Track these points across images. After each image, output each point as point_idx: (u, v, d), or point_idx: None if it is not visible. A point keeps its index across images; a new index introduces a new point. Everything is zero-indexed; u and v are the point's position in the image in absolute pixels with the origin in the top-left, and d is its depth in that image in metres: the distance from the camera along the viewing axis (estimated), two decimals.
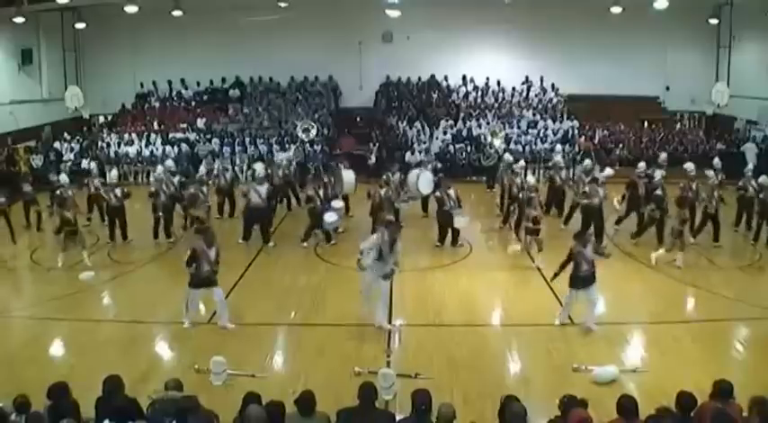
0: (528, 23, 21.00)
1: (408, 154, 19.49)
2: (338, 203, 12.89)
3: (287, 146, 19.70)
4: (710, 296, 9.75)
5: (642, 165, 13.63)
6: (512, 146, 19.58)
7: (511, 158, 15.12)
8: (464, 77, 22.34)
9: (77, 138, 20.73)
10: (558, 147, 17.66)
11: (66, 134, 20.73)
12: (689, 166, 13.40)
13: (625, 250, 12.01)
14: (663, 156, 15.11)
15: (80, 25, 20.64)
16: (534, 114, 21.29)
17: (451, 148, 19.87)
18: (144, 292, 10.23)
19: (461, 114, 21.24)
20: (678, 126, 21.46)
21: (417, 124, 20.86)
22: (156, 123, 21.28)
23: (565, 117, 21.15)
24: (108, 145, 20.37)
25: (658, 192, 12.10)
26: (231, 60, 21.77)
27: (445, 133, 20.53)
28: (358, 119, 22.48)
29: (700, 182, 12.79)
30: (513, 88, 22.15)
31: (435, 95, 22.18)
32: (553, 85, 22.07)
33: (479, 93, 22.30)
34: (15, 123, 19.19)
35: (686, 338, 8.11)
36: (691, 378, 6.23)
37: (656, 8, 17.88)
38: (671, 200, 11.98)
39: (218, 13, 20.78)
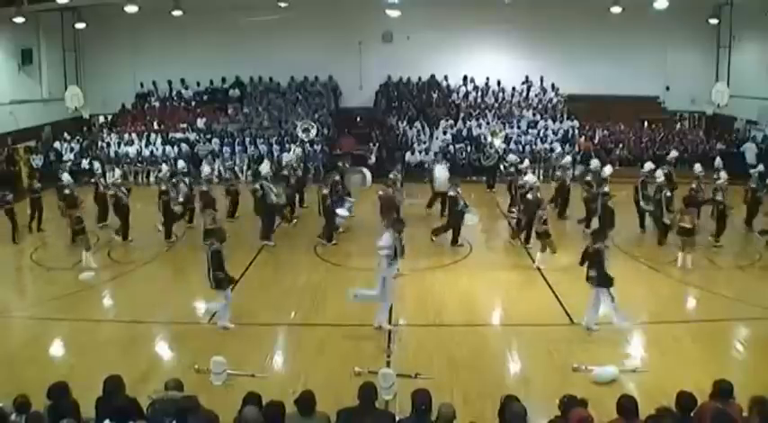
0: (528, 23, 21.01)
1: (408, 154, 19.50)
2: (351, 198, 13.06)
3: (287, 146, 19.69)
4: (710, 296, 9.75)
5: (648, 165, 13.55)
6: (512, 146, 19.60)
7: (516, 158, 15.05)
8: (465, 77, 22.34)
9: (77, 138, 20.74)
10: (558, 146, 17.61)
11: (66, 134, 20.73)
12: (697, 167, 13.37)
13: (624, 250, 11.99)
14: (673, 153, 15.03)
15: (80, 25, 20.65)
16: (534, 114, 21.29)
17: (451, 148, 19.86)
18: (144, 292, 10.24)
19: (461, 114, 21.25)
20: (678, 126, 21.46)
21: (417, 124, 20.87)
22: (156, 123, 21.29)
23: (565, 117, 21.16)
24: (108, 145, 20.38)
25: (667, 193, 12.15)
26: (231, 60, 21.79)
27: (445, 133, 20.53)
28: (358, 119, 22.48)
29: (706, 182, 12.79)
30: (513, 88, 22.16)
31: (435, 95, 22.19)
32: (553, 85, 22.07)
33: (479, 93, 22.30)
34: (15, 123, 19.19)
35: (686, 338, 8.11)
36: (691, 378, 6.23)
37: (656, 8, 17.89)
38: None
39: (218, 13, 20.78)
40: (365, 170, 15.62)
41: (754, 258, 11.58)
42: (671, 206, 12.00)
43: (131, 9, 18.07)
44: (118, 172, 14.15)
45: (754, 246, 12.21)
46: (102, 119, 22.50)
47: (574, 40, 21.05)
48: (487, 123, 20.61)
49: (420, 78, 22.51)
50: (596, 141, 20.23)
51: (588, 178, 13.53)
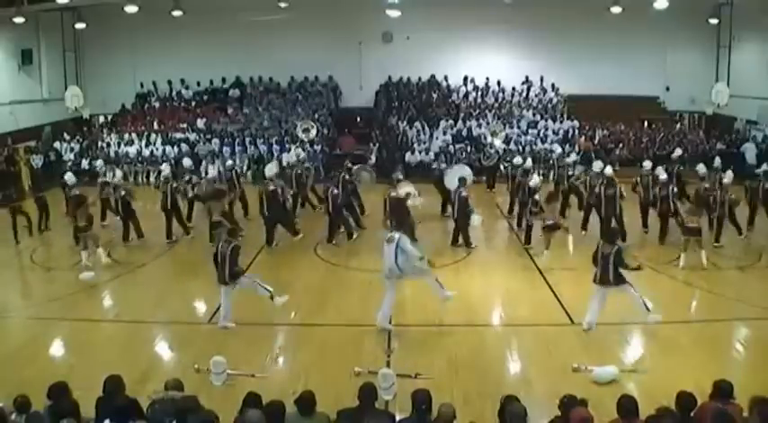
0: (528, 23, 21.01)
1: (408, 154, 19.49)
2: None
3: (287, 146, 19.69)
4: (711, 296, 9.74)
5: (647, 164, 13.52)
6: (512, 146, 19.61)
7: (521, 159, 15.01)
8: (465, 78, 22.35)
9: (77, 138, 20.73)
10: (558, 147, 17.52)
11: (66, 134, 20.73)
12: (701, 167, 13.34)
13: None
14: (677, 151, 14.96)
15: (80, 25, 20.65)
16: (534, 114, 21.30)
17: (451, 148, 19.86)
18: (144, 292, 10.24)
19: (461, 114, 21.25)
20: (678, 126, 21.45)
21: (417, 124, 20.87)
22: (156, 123, 21.30)
23: (565, 117, 21.17)
24: (108, 145, 20.38)
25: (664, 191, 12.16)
26: (231, 60, 21.80)
27: (445, 133, 20.53)
28: (358, 119, 22.48)
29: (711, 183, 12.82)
30: (513, 88, 22.16)
31: (435, 95, 22.19)
32: (553, 85, 22.08)
33: (479, 93, 22.31)
34: (15, 123, 19.19)
35: (686, 338, 8.11)
36: (691, 378, 6.22)
37: (656, 8, 17.90)
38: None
39: (218, 13, 20.78)
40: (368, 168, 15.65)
41: (755, 258, 11.58)
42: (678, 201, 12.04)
43: (131, 9, 18.09)
44: (119, 172, 14.06)
45: (754, 246, 12.19)
46: (102, 119, 22.52)
47: (574, 40, 21.06)
48: (487, 123, 20.61)
49: (420, 78, 22.51)
50: (596, 141, 20.22)
51: (588, 178, 13.50)
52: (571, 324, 8.63)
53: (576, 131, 20.62)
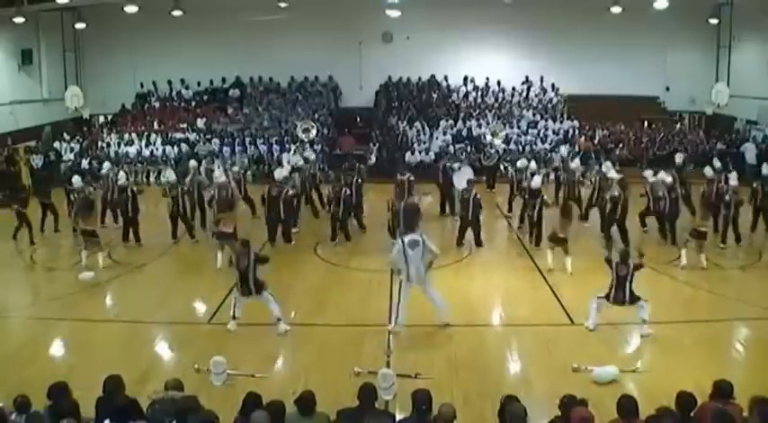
0: (528, 23, 21.01)
1: (408, 154, 19.49)
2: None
3: (287, 146, 19.69)
4: (711, 296, 9.74)
5: (649, 173, 13.42)
6: (512, 146, 19.60)
7: (527, 163, 14.97)
8: (465, 78, 22.35)
9: (77, 138, 20.73)
10: (564, 149, 17.42)
11: (66, 134, 20.72)
12: (707, 170, 13.33)
13: None
14: (679, 156, 14.90)
15: (80, 25, 20.64)
16: (534, 114, 21.30)
17: (451, 148, 19.86)
18: (144, 292, 10.23)
19: (461, 114, 21.25)
20: (678, 126, 21.45)
21: (417, 124, 20.86)
22: (156, 123, 21.29)
23: (565, 117, 21.16)
24: (108, 145, 20.37)
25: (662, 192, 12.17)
26: (231, 60, 21.80)
27: (445, 133, 20.53)
28: (358, 119, 22.48)
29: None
30: (513, 88, 22.15)
31: (435, 95, 22.19)
32: (553, 85, 22.07)
33: (479, 93, 22.30)
34: (15, 123, 19.18)
35: (686, 338, 8.10)
36: (691, 378, 6.22)
37: (656, 8, 17.90)
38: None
39: (218, 13, 20.78)
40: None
41: (755, 258, 11.58)
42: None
43: (131, 9, 18.08)
44: (122, 173, 13.99)
45: (754, 246, 12.19)
46: (102, 119, 22.49)
47: (574, 40, 21.06)
48: (487, 123, 20.60)
49: (420, 78, 22.50)
50: (596, 141, 20.22)
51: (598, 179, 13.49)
52: (571, 324, 8.63)
53: (576, 131, 20.62)
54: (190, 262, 11.88)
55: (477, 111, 21.41)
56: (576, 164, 14.74)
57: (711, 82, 20.83)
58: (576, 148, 19.43)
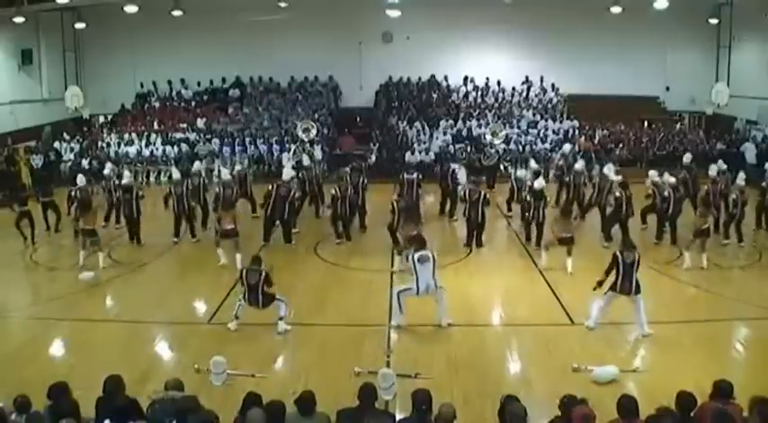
0: (528, 23, 21.02)
1: (408, 154, 19.49)
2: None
3: (287, 146, 19.69)
4: (711, 296, 9.74)
5: (653, 172, 13.39)
6: (512, 146, 19.59)
7: (536, 166, 14.92)
8: (465, 78, 22.35)
9: (77, 138, 20.73)
10: (567, 146, 17.28)
11: (66, 134, 20.72)
12: (712, 169, 13.32)
13: None
14: (687, 156, 14.83)
15: (80, 25, 20.65)
16: (534, 114, 21.30)
17: (451, 148, 19.86)
18: (144, 292, 10.24)
19: (461, 114, 21.25)
20: (678, 126, 21.46)
21: (417, 124, 20.86)
22: (156, 123, 21.28)
23: (565, 117, 21.16)
24: (108, 145, 20.37)
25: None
26: (231, 60, 21.80)
27: (445, 133, 20.53)
28: (358, 119, 22.48)
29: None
30: (513, 88, 22.15)
31: (435, 95, 22.18)
32: (553, 85, 22.07)
33: (479, 93, 22.30)
34: (15, 123, 19.18)
35: (686, 338, 8.10)
36: (691, 378, 6.21)
37: (656, 8, 17.91)
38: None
39: (217, 13, 20.78)
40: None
41: (755, 258, 11.59)
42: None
43: (131, 9, 18.08)
44: (127, 173, 13.97)
45: (757, 245, 12.18)
46: (102, 119, 22.50)
47: (574, 40, 21.07)
48: (487, 123, 20.60)
49: (420, 78, 22.50)
50: (596, 141, 20.22)
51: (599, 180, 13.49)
52: (571, 324, 8.63)
53: (576, 131, 20.62)
54: (190, 262, 11.88)
55: (477, 111, 21.41)
56: (581, 165, 14.66)
57: (711, 82, 20.84)
58: (577, 148, 19.42)
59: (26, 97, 19.88)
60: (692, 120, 22.25)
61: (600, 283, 8.37)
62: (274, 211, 12.47)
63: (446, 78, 22.50)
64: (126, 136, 20.67)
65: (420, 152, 19.69)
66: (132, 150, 20.15)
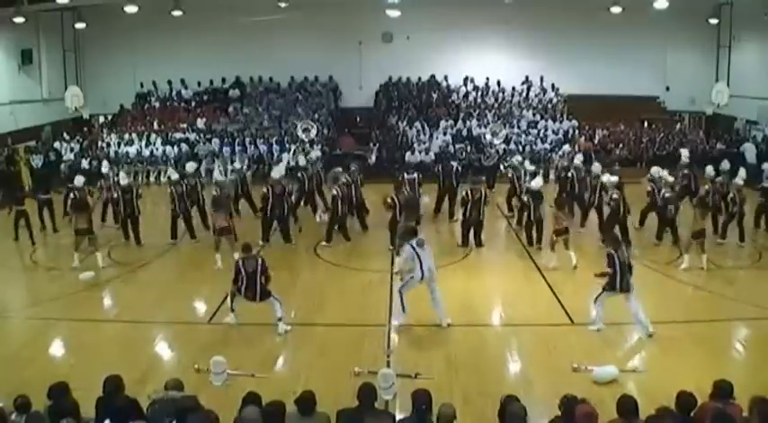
0: (528, 23, 21.02)
1: (408, 154, 19.49)
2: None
3: (287, 146, 19.68)
4: (710, 296, 9.74)
5: (655, 169, 13.39)
6: (512, 146, 19.59)
7: (532, 168, 14.92)
8: (465, 78, 22.35)
9: (77, 138, 20.73)
10: (567, 147, 17.29)
11: (66, 134, 20.72)
12: (709, 169, 13.32)
13: None
14: (685, 153, 14.81)
15: (80, 25, 20.64)
16: (534, 114, 21.31)
17: (451, 148, 19.86)
18: (144, 292, 10.23)
19: (461, 114, 21.25)
20: (678, 126, 21.46)
21: (417, 124, 20.86)
22: (156, 123, 21.28)
23: (565, 117, 21.17)
24: (108, 145, 20.37)
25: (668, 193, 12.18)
26: (231, 60, 21.79)
27: (445, 133, 20.52)
28: (358, 119, 22.48)
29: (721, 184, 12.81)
30: (513, 88, 22.16)
31: (435, 95, 22.18)
32: (553, 85, 22.08)
33: (479, 93, 22.30)
34: (15, 123, 19.18)
35: (686, 338, 8.09)
36: (691, 378, 6.21)
37: (656, 8, 17.91)
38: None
39: (217, 13, 20.77)
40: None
41: (755, 258, 11.58)
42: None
43: (131, 9, 18.09)
44: (123, 173, 13.97)
45: (757, 245, 12.18)
46: (102, 119, 22.50)
47: (574, 40, 21.08)
48: (487, 123, 20.60)
49: (420, 78, 22.51)
50: (596, 141, 20.23)
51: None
52: (571, 324, 8.63)
53: (576, 131, 20.62)
54: (190, 262, 11.88)
55: (477, 111, 21.41)
56: (579, 160, 14.65)
57: (711, 82, 20.86)
58: (576, 149, 19.42)
59: (26, 97, 19.89)
60: (691, 120, 22.24)
61: (602, 275, 8.37)
62: (273, 211, 12.47)
63: (446, 78, 22.50)
64: (126, 136, 20.67)
65: (420, 152, 19.69)
66: (132, 150, 20.15)
